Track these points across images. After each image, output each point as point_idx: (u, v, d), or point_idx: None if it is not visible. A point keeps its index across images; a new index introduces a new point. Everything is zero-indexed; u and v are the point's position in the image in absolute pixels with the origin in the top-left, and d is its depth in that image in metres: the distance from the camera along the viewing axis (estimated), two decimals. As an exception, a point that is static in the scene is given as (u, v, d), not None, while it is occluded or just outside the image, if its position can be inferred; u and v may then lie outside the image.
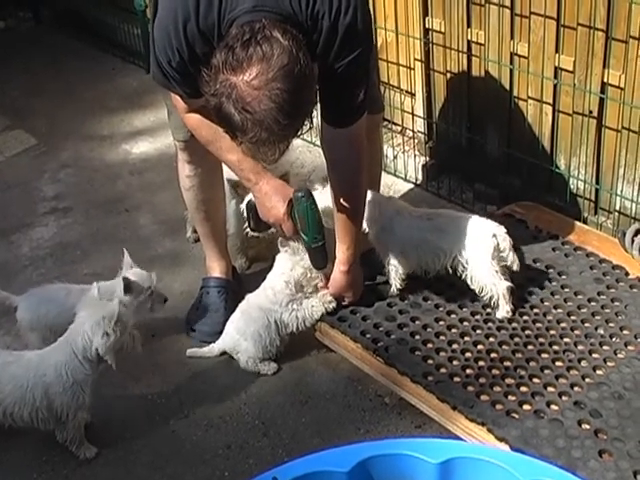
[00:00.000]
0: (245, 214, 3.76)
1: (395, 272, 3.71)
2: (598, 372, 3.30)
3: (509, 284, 3.54)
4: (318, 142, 5.22)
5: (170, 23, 3.07)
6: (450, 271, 3.64)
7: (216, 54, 2.80)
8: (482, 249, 3.51)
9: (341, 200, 3.51)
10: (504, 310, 3.58)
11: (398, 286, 3.74)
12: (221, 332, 3.86)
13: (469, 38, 4.50)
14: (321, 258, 3.53)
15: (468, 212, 4.04)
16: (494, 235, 3.52)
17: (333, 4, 3.01)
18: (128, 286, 3.66)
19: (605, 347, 3.42)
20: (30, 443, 3.54)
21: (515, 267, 3.57)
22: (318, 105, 3.23)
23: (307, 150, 5.24)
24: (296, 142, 5.43)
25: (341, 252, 3.66)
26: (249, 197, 3.68)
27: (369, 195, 3.65)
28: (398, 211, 3.71)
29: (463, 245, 3.54)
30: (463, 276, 3.60)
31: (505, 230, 3.56)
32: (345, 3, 3.02)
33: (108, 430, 3.60)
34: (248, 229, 3.82)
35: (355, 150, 3.44)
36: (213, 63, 2.80)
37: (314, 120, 3.03)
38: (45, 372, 3.33)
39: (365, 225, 3.68)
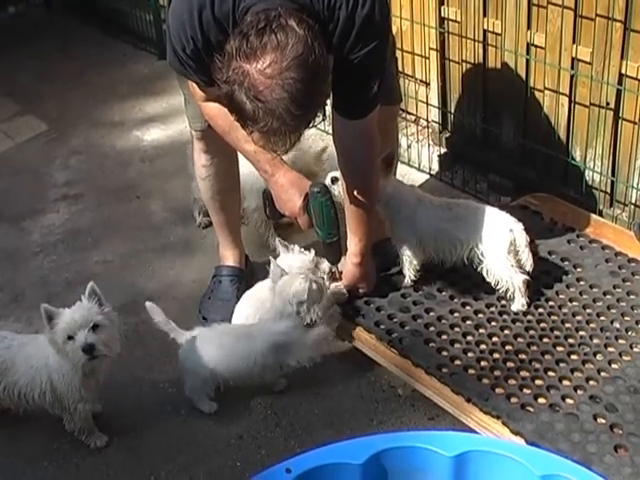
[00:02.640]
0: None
1: (409, 263, 3.68)
2: (614, 366, 3.28)
3: (525, 277, 3.51)
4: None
5: (185, 11, 3.05)
6: (466, 262, 3.61)
7: (230, 41, 2.76)
8: (498, 242, 3.48)
9: (353, 192, 3.48)
10: (519, 303, 3.55)
11: (412, 277, 3.71)
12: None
13: (485, 27, 4.47)
14: (335, 253, 3.53)
15: (485, 204, 4.02)
16: (511, 230, 3.49)
17: None
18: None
19: (621, 341, 3.39)
20: (41, 432, 3.54)
21: (528, 267, 3.53)
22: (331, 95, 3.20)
23: (320, 139, 5.21)
24: (308, 131, 5.42)
25: (353, 244, 3.63)
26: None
27: (391, 183, 3.63)
28: (420, 199, 3.67)
29: (480, 237, 3.51)
30: (479, 268, 3.57)
31: (522, 227, 3.52)
32: None
33: (120, 418, 3.60)
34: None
35: (367, 142, 3.41)
36: (227, 50, 2.76)
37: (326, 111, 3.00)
38: (48, 355, 3.33)
39: (383, 212, 3.66)
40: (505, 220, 3.54)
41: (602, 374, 3.24)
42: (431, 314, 3.61)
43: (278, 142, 2.89)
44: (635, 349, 3.35)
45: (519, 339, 3.42)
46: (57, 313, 3.22)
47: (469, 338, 3.45)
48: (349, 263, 3.69)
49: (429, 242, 3.64)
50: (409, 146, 4.99)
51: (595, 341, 3.39)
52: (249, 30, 2.72)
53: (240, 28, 2.78)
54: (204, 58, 3.08)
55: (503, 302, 3.61)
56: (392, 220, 3.69)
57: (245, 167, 3.89)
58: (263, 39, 2.69)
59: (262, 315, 3.64)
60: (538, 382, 3.22)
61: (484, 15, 4.45)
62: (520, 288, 3.52)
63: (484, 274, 3.58)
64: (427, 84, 4.92)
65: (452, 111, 4.90)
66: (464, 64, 4.69)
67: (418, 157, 5.00)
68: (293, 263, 3.69)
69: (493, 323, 3.52)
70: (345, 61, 3.04)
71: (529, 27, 4.26)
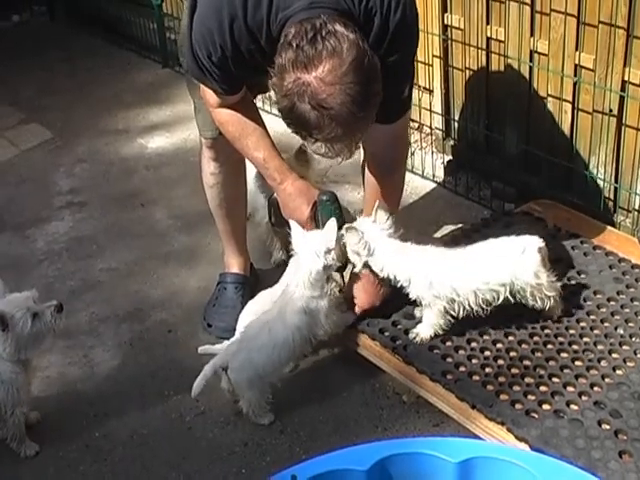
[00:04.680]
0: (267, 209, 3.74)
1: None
2: (618, 372, 3.27)
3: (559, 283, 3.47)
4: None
5: (214, 19, 3.06)
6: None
7: (281, 54, 2.80)
8: (535, 268, 3.37)
9: (375, 196, 3.49)
10: (560, 308, 3.50)
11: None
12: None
13: (488, 35, 4.48)
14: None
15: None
16: (539, 249, 3.39)
17: (384, 1, 3.00)
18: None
19: (625, 347, 3.38)
20: (46, 439, 3.53)
21: None
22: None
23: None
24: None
25: None
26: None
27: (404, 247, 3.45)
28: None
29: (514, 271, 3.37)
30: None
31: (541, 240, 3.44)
32: (395, 0, 3.02)
33: (124, 425, 3.60)
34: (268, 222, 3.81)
35: (398, 146, 3.47)
36: (279, 63, 2.79)
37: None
38: None
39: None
40: (529, 244, 3.41)
41: (606, 380, 3.23)
42: (435, 321, 3.60)
43: (342, 149, 2.94)
44: (639, 355, 3.35)
45: (523, 345, 3.41)
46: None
47: (473, 344, 3.44)
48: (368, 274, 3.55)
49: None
50: (412, 153, 4.99)
51: (599, 347, 3.39)
52: (300, 41, 2.75)
53: (287, 40, 2.80)
54: (231, 67, 3.12)
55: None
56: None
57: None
58: (317, 47, 2.73)
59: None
60: (543, 388, 3.22)
61: (487, 22, 4.46)
62: (560, 297, 3.47)
63: (527, 302, 3.42)
64: (430, 91, 4.93)
65: (455, 118, 4.91)
66: (467, 71, 4.70)
67: (422, 164, 5.00)
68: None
69: (497, 329, 3.51)
70: None
71: (532, 34, 4.27)
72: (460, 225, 4.48)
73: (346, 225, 3.38)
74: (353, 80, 2.74)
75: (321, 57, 2.72)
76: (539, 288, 3.35)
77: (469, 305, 3.35)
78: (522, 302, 3.40)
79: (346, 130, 2.83)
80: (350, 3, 2.96)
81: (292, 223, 3.42)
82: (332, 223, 3.35)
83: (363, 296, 3.61)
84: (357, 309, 3.62)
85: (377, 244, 3.37)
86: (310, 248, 3.37)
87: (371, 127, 3.20)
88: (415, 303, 3.52)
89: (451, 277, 3.34)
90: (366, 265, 3.43)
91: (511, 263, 3.33)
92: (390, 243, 3.39)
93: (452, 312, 3.38)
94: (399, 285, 3.42)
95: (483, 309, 3.37)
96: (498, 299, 3.35)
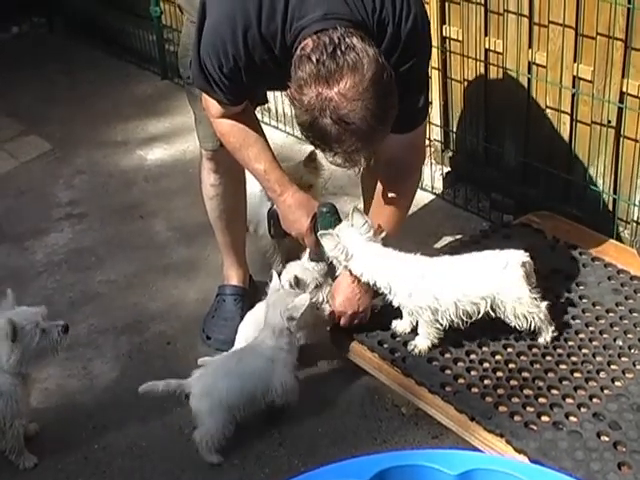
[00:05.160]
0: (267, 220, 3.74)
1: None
2: (617, 384, 3.27)
3: (547, 302, 3.39)
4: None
5: (226, 28, 3.06)
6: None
7: (300, 67, 2.81)
8: (517, 283, 3.32)
9: (383, 200, 3.50)
10: (549, 332, 3.44)
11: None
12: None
13: (487, 47, 4.49)
14: None
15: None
16: (523, 264, 3.33)
17: (396, 11, 3.02)
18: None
19: (624, 358, 3.38)
20: (45, 451, 3.53)
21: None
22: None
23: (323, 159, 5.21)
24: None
25: None
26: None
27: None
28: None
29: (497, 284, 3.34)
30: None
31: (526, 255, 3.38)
32: (406, 9, 3.04)
33: (123, 437, 3.60)
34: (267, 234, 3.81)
35: (413, 155, 3.51)
36: (299, 77, 2.81)
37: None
38: None
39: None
40: (513, 258, 3.36)
41: (605, 392, 3.23)
42: (434, 332, 3.60)
43: (359, 160, 2.98)
44: (638, 367, 3.34)
45: (522, 357, 3.41)
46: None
47: (472, 356, 3.44)
48: (346, 277, 3.48)
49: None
50: (411, 165, 5.00)
51: (598, 359, 3.38)
52: (320, 55, 2.77)
53: (306, 54, 2.82)
54: (242, 77, 3.13)
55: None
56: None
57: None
58: (338, 62, 2.75)
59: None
60: (541, 400, 3.21)
61: (485, 34, 4.47)
62: (547, 317, 3.41)
63: (508, 319, 3.37)
64: (429, 103, 4.92)
65: (454, 130, 4.92)
66: (466, 83, 4.71)
67: (420, 176, 4.99)
68: (302, 274, 3.66)
69: (496, 341, 3.51)
70: None
71: (530, 46, 4.28)
72: (459, 237, 4.49)
73: (320, 232, 3.37)
74: (373, 95, 2.77)
75: (342, 72, 2.75)
76: (520, 303, 3.30)
77: (450, 316, 3.32)
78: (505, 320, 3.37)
79: (365, 143, 2.87)
80: (364, 14, 2.97)
81: (273, 276, 3.55)
82: (304, 297, 3.42)
83: (337, 298, 3.55)
84: (331, 311, 3.60)
85: (355, 248, 3.35)
86: (277, 306, 3.43)
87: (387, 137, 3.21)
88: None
89: (431, 286, 3.32)
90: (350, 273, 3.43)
91: (492, 276, 3.31)
92: (369, 247, 3.37)
93: (439, 321, 3.36)
94: (381, 292, 3.41)
95: (464, 322, 3.34)
96: (479, 313, 3.32)
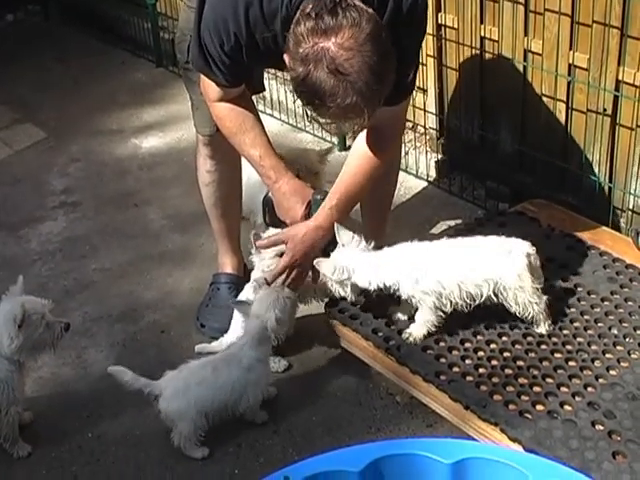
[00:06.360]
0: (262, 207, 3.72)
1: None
2: (612, 372, 3.27)
3: (547, 297, 3.41)
4: (328, 137, 5.23)
5: (228, 6, 3.07)
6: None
7: (299, 23, 2.81)
8: (522, 272, 3.34)
9: (361, 161, 3.46)
10: (546, 325, 3.45)
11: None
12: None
13: (482, 34, 4.48)
14: None
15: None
16: (528, 254, 3.37)
17: None
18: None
19: (619, 347, 3.38)
20: (39, 439, 3.53)
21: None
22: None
23: (317, 146, 5.20)
24: (306, 137, 5.43)
25: (327, 207, 3.42)
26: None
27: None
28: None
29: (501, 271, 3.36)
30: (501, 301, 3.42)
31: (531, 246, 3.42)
32: None
33: (117, 426, 3.60)
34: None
35: (396, 126, 3.52)
36: (297, 32, 2.81)
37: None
38: None
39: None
40: (518, 246, 3.39)
41: (600, 381, 3.22)
42: (429, 321, 3.60)
43: (354, 119, 2.94)
44: (633, 355, 3.33)
45: (517, 346, 3.40)
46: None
47: (467, 345, 3.43)
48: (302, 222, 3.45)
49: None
50: (407, 153, 4.99)
51: (593, 348, 3.38)
52: (320, 10, 2.78)
53: (305, 11, 2.82)
54: (242, 56, 3.14)
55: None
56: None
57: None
58: (338, 17, 2.76)
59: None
60: (536, 389, 3.21)
61: (481, 22, 4.46)
62: (546, 310, 3.43)
63: (509, 305, 3.39)
64: (424, 91, 4.92)
65: (449, 118, 4.90)
66: (461, 71, 4.70)
67: (416, 164, 5.00)
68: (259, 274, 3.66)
69: (491, 330, 3.50)
70: None
71: (526, 34, 4.27)
72: (454, 224, 4.48)
73: (316, 260, 3.36)
74: (371, 49, 2.77)
75: (341, 26, 2.75)
76: (522, 291, 3.31)
77: (454, 299, 3.33)
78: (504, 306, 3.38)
79: (360, 99, 2.82)
80: None
81: (246, 286, 3.56)
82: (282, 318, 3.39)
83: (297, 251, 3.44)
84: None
85: (354, 264, 3.35)
86: (259, 314, 3.40)
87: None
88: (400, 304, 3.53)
89: (435, 268, 3.33)
90: (355, 289, 3.43)
91: (497, 260, 3.32)
92: (367, 257, 3.38)
93: (442, 308, 3.36)
94: (391, 291, 3.40)
95: (467, 305, 3.35)
96: (481, 296, 3.32)
